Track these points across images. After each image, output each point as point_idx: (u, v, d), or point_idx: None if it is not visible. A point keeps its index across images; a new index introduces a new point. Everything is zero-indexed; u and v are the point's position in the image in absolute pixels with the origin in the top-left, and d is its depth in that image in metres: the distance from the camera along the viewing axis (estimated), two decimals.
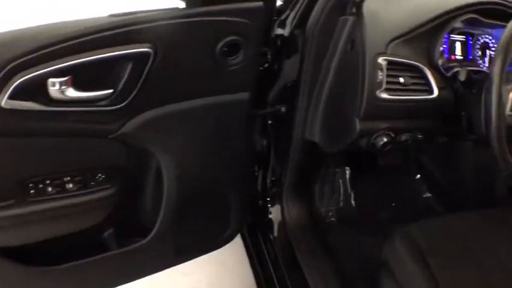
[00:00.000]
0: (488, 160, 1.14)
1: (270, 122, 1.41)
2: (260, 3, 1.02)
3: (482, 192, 1.57)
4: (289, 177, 1.40)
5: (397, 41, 1.14)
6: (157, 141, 1.10)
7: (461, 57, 1.31)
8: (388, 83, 1.11)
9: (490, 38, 1.37)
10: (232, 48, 1.03)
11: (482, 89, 1.09)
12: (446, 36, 1.30)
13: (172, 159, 1.14)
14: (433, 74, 1.17)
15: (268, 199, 1.51)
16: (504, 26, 1.06)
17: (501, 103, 1.03)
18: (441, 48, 1.27)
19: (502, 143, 1.04)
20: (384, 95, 1.11)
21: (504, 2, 1.28)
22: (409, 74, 1.14)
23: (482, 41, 1.33)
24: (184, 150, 1.15)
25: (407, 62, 1.14)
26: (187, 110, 1.08)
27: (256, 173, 1.50)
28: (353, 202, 1.63)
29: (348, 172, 1.60)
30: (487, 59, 1.39)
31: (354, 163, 1.61)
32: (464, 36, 1.33)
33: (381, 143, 1.17)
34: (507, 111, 1.05)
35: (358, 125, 1.13)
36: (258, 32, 1.06)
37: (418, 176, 1.84)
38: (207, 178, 1.27)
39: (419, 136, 1.24)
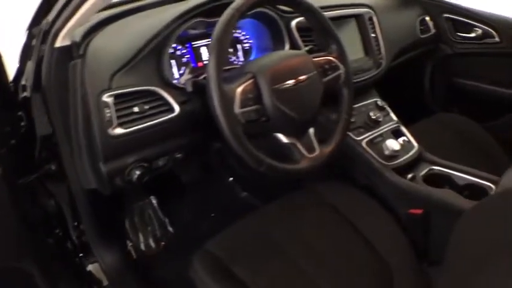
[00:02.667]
0: None
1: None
2: None
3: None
4: (88, 228, 1.34)
5: (121, 72, 1.09)
6: None
7: None
8: (120, 117, 1.06)
9: (239, 31, 1.38)
10: None
11: None
12: (188, 45, 1.29)
13: None
14: (169, 92, 1.14)
15: (81, 254, 1.43)
16: None
17: (226, 104, 0.99)
18: (184, 60, 1.27)
19: (244, 144, 1.01)
20: (119, 131, 1.06)
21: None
22: (142, 101, 1.10)
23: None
24: None
25: (136, 90, 1.10)
26: None
27: (60, 233, 1.43)
28: (170, 228, 1.59)
29: (154, 201, 1.56)
30: (240, 53, 1.41)
31: (158, 189, 1.57)
32: (208, 39, 1.33)
33: (135, 176, 1.13)
34: (237, 110, 1.01)
35: (102, 168, 1.09)
36: None
37: (231, 178, 1.85)
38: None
39: (179, 155, 1.22)
